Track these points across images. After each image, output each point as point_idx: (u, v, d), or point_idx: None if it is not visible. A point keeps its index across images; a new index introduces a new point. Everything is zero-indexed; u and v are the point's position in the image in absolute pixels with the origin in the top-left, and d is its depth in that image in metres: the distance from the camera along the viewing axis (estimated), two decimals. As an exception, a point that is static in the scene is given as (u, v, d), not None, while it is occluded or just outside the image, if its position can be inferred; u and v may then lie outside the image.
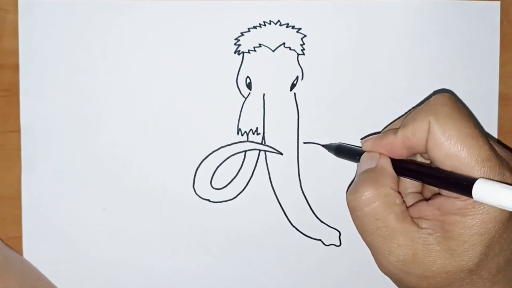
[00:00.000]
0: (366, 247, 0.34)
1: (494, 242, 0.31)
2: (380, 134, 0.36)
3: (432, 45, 0.42)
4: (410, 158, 0.36)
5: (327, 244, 0.42)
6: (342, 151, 0.40)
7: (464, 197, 0.30)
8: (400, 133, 0.34)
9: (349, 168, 0.41)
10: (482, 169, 0.30)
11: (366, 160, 0.36)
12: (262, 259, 0.41)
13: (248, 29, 0.40)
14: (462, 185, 0.30)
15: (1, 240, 0.39)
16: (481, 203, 0.30)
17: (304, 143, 0.41)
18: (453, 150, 0.31)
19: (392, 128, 0.36)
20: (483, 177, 0.30)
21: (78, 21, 0.39)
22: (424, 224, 0.32)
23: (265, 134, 0.41)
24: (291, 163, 0.41)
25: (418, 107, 0.34)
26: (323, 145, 0.41)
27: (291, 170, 0.41)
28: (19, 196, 0.39)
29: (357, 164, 0.37)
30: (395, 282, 0.35)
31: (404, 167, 0.35)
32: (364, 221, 0.33)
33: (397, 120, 0.39)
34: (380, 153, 0.35)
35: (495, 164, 0.30)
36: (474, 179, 0.29)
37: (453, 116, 0.32)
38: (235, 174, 0.41)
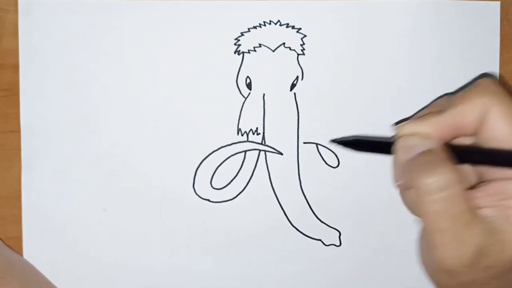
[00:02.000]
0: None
1: None
2: (418, 117, 0.33)
3: (432, 45, 0.42)
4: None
5: (327, 244, 0.42)
6: (364, 144, 0.35)
7: None
8: (450, 114, 0.31)
9: (349, 168, 0.41)
10: None
11: (417, 143, 0.31)
12: (262, 259, 0.41)
13: (248, 29, 0.40)
14: None
15: (2, 241, 0.39)
16: None
17: (304, 143, 0.41)
18: None
19: (429, 112, 0.33)
20: None
21: (78, 21, 0.39)
22: (486, 211, 0.30)
23: (265, 134, 0.41)
24: (291, 163, 0.41)
25: (465, 89, 0.32)
26: (337, 141, 0.35)
27: (291, 170, 0.41)
28: (19, 196, 0.39)
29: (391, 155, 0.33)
30: (442, 280, 0.32)
31: (462, 151, 0.31)
32: (442, 205, 0.29)
33: (429, 107, 0.36)
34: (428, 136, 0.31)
35: None
36: None
37: (509, 95, 0.31)
38: (235, 174, 0.41)
